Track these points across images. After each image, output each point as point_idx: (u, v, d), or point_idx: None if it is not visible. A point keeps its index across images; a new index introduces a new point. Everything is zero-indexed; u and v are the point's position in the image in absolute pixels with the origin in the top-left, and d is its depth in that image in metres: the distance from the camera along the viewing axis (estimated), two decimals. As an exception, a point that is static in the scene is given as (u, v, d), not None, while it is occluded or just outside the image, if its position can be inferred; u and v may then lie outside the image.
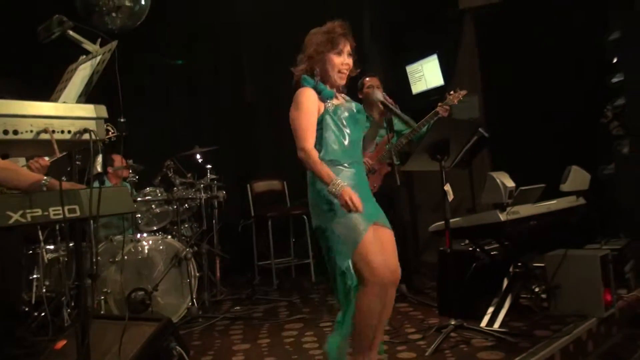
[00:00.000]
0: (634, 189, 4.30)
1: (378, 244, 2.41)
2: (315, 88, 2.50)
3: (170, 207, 4.64)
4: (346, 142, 2.48)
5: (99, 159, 1.79)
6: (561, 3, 5.32)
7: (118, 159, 4.74)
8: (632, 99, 4.49)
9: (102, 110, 1.80)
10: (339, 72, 2.50)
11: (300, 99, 2.46)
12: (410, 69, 6.03)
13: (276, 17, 6.48)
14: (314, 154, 2.40)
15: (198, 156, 5.08)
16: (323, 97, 2.49)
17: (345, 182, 2.35)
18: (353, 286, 2.34)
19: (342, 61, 2.50)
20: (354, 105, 2.58)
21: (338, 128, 2.47)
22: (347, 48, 2.52)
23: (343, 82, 2.56)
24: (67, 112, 1.75)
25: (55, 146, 1.68)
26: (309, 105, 2.45)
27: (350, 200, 2.25)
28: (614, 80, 4.68)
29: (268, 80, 6.66)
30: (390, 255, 2.48)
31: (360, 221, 2.36)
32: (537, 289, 3.56)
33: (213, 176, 4.92)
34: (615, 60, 4.76)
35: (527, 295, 3.70)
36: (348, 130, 2.49)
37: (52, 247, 4.07)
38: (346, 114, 2.50)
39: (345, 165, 2.47)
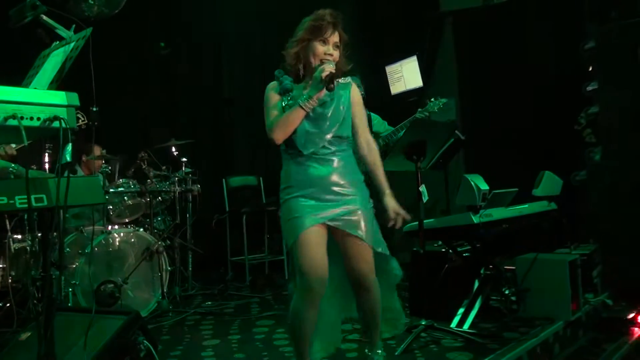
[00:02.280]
0: (604, 196, 4.37)
1: (316, 249, 2.33)
2: (279, 79, 2.47)
3: (143, 200, 4.57)
4: (298, 135, 2.39)
5: (69, 147, 1.74)
6: (540, 11, 5.40)
7: (97, 151, 4.65)
8: (604, 107, 4.57)
9: (74, 98, 1.75)
10: (321, 61, 2.39)
11: (266, 92, 2.49)
12: (389, 69, 6.05)
13: (256, 15, 6.45)
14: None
15: (174, 149, 5.02)
16: (281, 90, 2.45)
17: (294, 178, 2.40)
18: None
19: (325, 50, 2.39)
20: (328, 99, 2.43)
21: None
22: (334, 39, 2.41)
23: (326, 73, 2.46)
24: (37, 98, 1.70)
25: (24, 133, 1.63)
26: (271, 94, 2.46)
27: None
28: (589, 88, 4.76)
29: (247, 77, 6.62)
30: (352, 257, 2.41)
31: (296, 226, 2.34)
32: (507, 292, 3.59)
33: (188, 170, 4.87)
34: (590, 69, 4.83)
35: (497, 298, 3.73)
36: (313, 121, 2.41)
37: (19, 236, 3.97)
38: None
39: (300, 159, 2.41)
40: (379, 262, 2.48)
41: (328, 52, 2.39)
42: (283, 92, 2.43)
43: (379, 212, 2.51)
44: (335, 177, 2.40)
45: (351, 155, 2.50)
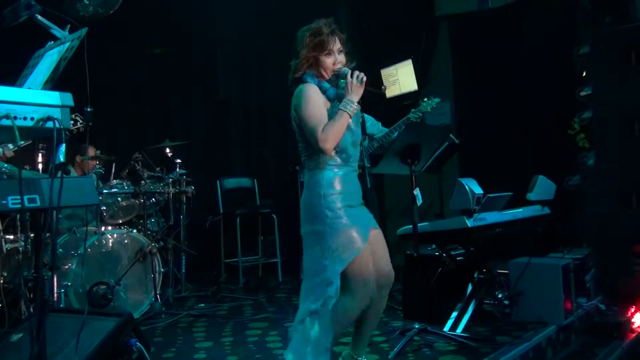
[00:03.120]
0: (597, 201, 4.39)
1: (370, 257, 2.43)
2: (319, 86, 2.45)
3: (137, 201, 4.56)
4: (350, 143, 2.46)
5: (62, 148, 1.73)
6: (534, 16, 5.42)
7: (92, 152, 4.63)
8: (598, 112, 4.59)
9: (68, 98, 1.75)
10: (334, 72, 2.45)
11: (307, 93, 2.40)
12: (385, 72, 6.04)
13: (253, 15, 6.45)
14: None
15: (168, 150, 5.00)
16: (328, 96, 2.45)
17: (342, 187, 2.43)
18: (332, 296, 2.34)
19: (333, 61, 2.44)
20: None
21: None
22: (337, 46, 2.45)
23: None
24: (30, 98, 1.69)
25: (17, 133, 1.62)
26: (316, 97, 2.41)
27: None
28: (583, 93, 4.78)
29: (242, 79, 6.62)
30: (382, 257, 2.52)
31: (358, 236, 2.38)
32: (500, 295, 3.60)
33: (182, 171, 4.86)
34: (584, 74, 4.86)
35: (491, 301, 3.74)
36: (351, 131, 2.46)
37: (11, 237, 3.95)
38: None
39: (346, 168, 2.48)
40: None
41: (337, 60, 2.45)
42: (338, 97, 2.43)
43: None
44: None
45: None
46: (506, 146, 5.35)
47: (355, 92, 2.37)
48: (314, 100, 2.39)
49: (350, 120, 2.39)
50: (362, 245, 2.37)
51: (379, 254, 2.49)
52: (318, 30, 2.42)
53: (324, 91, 2.45)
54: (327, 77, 2.46)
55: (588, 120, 4.79)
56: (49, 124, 1.68)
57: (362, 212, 2.50)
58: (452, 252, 3.77)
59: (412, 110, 4.14)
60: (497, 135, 5.42)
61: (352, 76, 2.37)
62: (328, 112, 2.41)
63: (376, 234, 2.51)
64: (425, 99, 4.32)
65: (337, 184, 2.42)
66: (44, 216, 1.86)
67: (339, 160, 2.44)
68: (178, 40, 6.26)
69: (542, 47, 5.26)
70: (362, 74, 2.36)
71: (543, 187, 3.84)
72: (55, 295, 3.71)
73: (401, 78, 5.92)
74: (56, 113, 1.71)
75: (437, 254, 3.81)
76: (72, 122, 1.86)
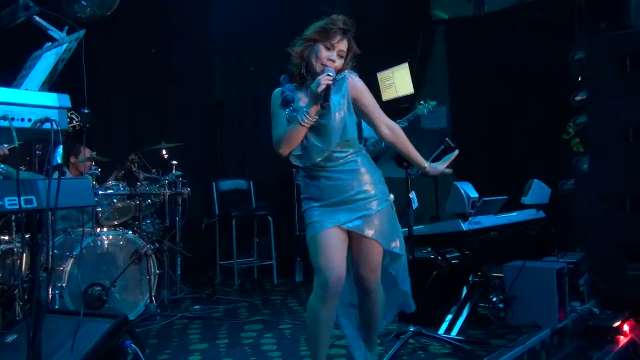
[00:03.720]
0: (591, 205, 4.41)
1: (333, 247, 2.35)
2: (283, 88, 2.43)
3: (132, 202, 4.55)
4: (305, 149, 2.38)
5: (60, 150, 1.73)
6: (530, 21, 5.45)
7: (87, 153, 4.62)
8: (593, 117, 4.62)
9: (65, 100, 1.75)
10: (322, 65, 2.31)
11: (272, 97, 2.46)
12: (381, 75, 6.07)
13: (249, 17, 6.46)
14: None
15: (164, 152, 5.00)
16: (282, 101, 2.39)
17: (312, 190, 2.41)
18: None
19: (328, 56, 2.31)
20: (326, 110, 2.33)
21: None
22: (341, 46, 2.33)
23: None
24: (28, 99, 1.69)
25: (14, 134, 1.62)
26: (273, 102, 2.44)
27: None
28: (577, 98, 4.81)
29: (238, 80, 6.62)
30: (361, 262, 2.43)
31: (320, 225, 2.36)
32: (494, 299, 3.61)
33: (178, 173, 4.85)
34: (579, 79, 4.89)
35: (485, 305, 3.75)
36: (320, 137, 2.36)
37: (6, 237, 3.94)
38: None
39: (313, 172, 2.42)
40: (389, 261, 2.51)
41: (331, 58, 2.31)
42: (284, 103, 2.38)
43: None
44: (349, 186, 2.38)
45: (364, 154, 2.46)
46: (501, 150, 5.37)
47: (313, 101, 2.25)
48: (273, 105, 2.44)
49: (306, 127, 2.29)
50: (318, 232, 2.34)
51: (360, 258, 2.42)
52: (334, 20, 2.34)
53: (281, 92, 2.40)
54: (315, 67, 2.32)
55: (583, 125, 4.82)
56: (47, 126, 1.68)
57: (339, 210, 2.37)
58: (448, 255, 3.78)
59: (398, 120, 4.14)
60: (492, 139, 5.44)
61: (315, 85, 2.22)
62: (287, 114, 2.37)
63: (365, 241, 2.39)
64: (422, 102, 4.33)
65: (306, 188, 2.46)
66: (39, 217, 1.86)
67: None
68: (175, 41, 6.26)
69: (537, 51, 5.29)
70: (324, 81, 2.19)
71: (538, 191, 3.86)
72: (50, 296, 3.70)
73: (397, 81, 5.96)
74: (53, 114, 1.71)
75: (432, 257, 3.82)
76: (67, 119, 1.84)
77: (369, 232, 2.37)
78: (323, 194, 2.39)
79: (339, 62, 2.34)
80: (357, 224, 2.37)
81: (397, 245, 2.45)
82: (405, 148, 2.46)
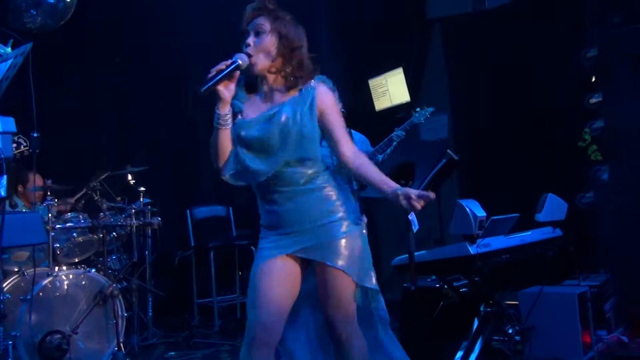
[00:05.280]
0: (614, 219, 4.42)
1: (269, 282, 2.26)
2: None
3: (95, 236, 4.54)
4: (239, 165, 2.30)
5: (3, 180, 1.71)
6: (536, 16, 5.51)
7: (39, 181, 4.59)
8: (610, 121, 4.65)
9: (10, 123, 1.73)
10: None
11: None
12: (373, 83, 6.11)
13: (224, 26, 6.48)
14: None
15: (129, 177, 4.99)
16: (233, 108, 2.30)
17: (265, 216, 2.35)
18: None
19: (247, 42, 2.25)
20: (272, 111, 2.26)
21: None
22: (258, 25, 2.26)
23: (269, 82, 2.29)
24: (-32, 124, 1.68)
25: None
26: None
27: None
28: (593, 100, 4.84)
29: (212, 96, 6.61)
30: (323, 297, 2.31)
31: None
32: (510, 331, 3.60)
33: (147, 200, 4.84)
34: (593, 79, 4.93)
35: (500, 338, 3.73)
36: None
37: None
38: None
39: (265, 194, 2.35)
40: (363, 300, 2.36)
41: (247, 41, 2.24)
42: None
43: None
44: (310, 210, 2.27)
45: (329, 173, 2.35)
46: (511, 162, 5.39)
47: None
48: None
49: (222, 129, 2.25)
50: (254, 266, 2.29)
51: (325, 293, 2.29)
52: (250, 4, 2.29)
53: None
54: None
55: (600, 131, 4.85)
56: (-12, 153, 1.67)
57: (291, 237, 2.28)
58: (455, 284, 3.76)
59: (396, 129, 4.15)
60: (500, 150, 5.47)
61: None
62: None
63: (330, 271, 2.25)
64: (418, 109, 4.35)
65: (260, 214, 2.39)
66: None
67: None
68: (138, 53, 6.27)
69: (545, 50, 5.34)
70: (213, 70, 2.14)
71: (553, 207, 3.87)
72: (2, 348, 3.64)
73: (391, 88, 5.99)
74: (-3, 140, 1.70)
75: (437, 285, 3.80)
76: (14, 145, 1.82)
77: (335, 261, 2.24)
78: (280, 222, 2.30)
79: (252, 40, 2.24)
80: (318, 252, 2.26)
81: (372, 279, 2.33)
82: (371, 174, 2.27)
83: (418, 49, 6.32)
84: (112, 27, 6.11)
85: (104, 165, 5.55)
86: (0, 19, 4.03)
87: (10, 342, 3.68)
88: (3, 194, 1.71)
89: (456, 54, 6.17)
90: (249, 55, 2.21)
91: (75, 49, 5.62)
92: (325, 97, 2.28)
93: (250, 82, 2.34)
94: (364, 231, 2.36)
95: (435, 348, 3.41)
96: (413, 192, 2.12)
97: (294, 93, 2.27)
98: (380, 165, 3.50)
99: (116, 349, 4.11)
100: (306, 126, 2.22)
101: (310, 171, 2.27)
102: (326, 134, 2.31)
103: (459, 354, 3.46)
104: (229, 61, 2.16)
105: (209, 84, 2.12)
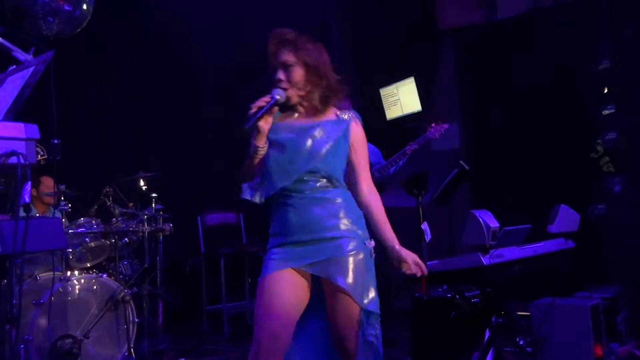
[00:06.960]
0: (627, 231, 4.40)
1: (276, 294, 2.28)
2: None
3: (107, 241, 4.55)
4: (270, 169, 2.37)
5: (28, 187, 1.73)
6: (549, 27, 5.52)
7: (47, 182, 4.62)
8: (623, 132, 4.64)
9: (34, 130, 1.76)
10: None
11: None
12: (384, 92, 6.11)
13: (234, 37, 6.52)
14: None
15: (142, 183, 5.01)
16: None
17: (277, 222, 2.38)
18: None
19: (277, 78, 2.36)
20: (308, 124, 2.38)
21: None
22: (283, 58, 2.35)
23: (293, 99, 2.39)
24: (-9, 130, 1.70)
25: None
26: None
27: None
28: (605, 112, 4.83)
29: (224, 101, 6.65)
30: (333, 317, 2.33)
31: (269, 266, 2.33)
32: (522, 342, 3.59)
33: (158, 206, 4.85)
34: (606, 91, 4.92)
35: (511, 349, 3.72)
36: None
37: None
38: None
39: (280, 199, 2.39)
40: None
41: (279, 77, 2.33)
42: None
43: (380, 256, 2.47)
44: (317, 221, 2.31)
45: (345, 192, 2.41)
46: (523, 172, 5.38)
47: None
48: None
49: (257, 159, 2.34)
50: (261, 277, 2.31)
51: (334, 308, 2.32)
52: (271, 34, 2.39)
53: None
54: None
55: (613, 142, 4.84)
56: (12, 160, 1.68)
57: (300, 249, 2.31)
58: (466, 294, 3.76)
59: (410, 143, 4.16)
60: (512, 160, 5.46)
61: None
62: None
63: (338, 290, 2.28)
64: (433, 124, 4.36)
65: (272, 222, 2.43)
66: (5, 263, 1.85)
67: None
68: (154, 59, 6.31)
69: (557, 61, 5.34)
70: (253, 107, 2.25)
71: (566, 218, 3.86)
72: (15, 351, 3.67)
73: (403, 98, 5.99)
74: (20, 147, 1.71)
75: (449, 296, 3.79)
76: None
77: (341, 281, 2.26)
78: (287, 229, 2.33)
79: (283, 75, 2.34)
80: (324, 269, 2.28)
81: (373, 300, 2.33)
82: (378, 215, 2.41)
83: (429, 59, 6.34)
84: (126, 37, 6.16)
85: (116, 171, 5.58)
86: (18, 26, 4.07)
87: (22, 346, 3.71)
88: (27, 200, 1.72)
89: (467, 64, 6.18)
90: (285, 89, 2.32)
91: (89, 57, 5.67)
92: (359, 133, 2.44)
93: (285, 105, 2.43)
94: (372, 255, 2.39)
95: (446, 358, 3.40)
96: (410, 259, 2.37)
97: (330, 116, 2.40)
98: (394, 177, 3.51)
99: (127, 354, 4.12)
100: (339, 146, 2.36)
101: (329, 184, 2.36)
102: (349, 165, 2.44)
103: (470, 364, 3.45)
104: (268, 97, 2.26)
105: (253, 121, 2.22)
